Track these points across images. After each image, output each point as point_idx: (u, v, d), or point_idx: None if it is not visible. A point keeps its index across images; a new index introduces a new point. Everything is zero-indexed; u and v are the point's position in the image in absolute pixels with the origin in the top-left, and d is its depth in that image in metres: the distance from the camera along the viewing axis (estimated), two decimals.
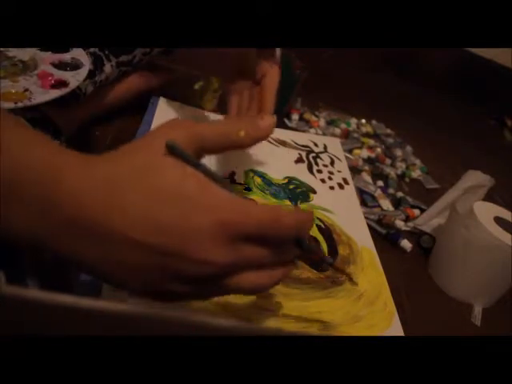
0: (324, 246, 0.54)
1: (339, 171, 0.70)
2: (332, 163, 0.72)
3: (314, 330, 0.43)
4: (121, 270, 0.25)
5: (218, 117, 0.70)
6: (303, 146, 0.73)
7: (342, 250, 0.54)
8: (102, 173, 0.25)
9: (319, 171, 0.68)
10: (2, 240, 0.23)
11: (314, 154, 0.72)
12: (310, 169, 0.68)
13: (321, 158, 0.72)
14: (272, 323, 0.42)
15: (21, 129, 0.26)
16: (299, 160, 0.69)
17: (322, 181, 0.66)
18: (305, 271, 0.49)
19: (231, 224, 0.25)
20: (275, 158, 0.67)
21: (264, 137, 0.32)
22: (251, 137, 0.31)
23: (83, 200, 0.24)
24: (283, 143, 0.71)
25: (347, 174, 0.70)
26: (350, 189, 0.67)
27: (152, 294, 0.27)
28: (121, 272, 0.25)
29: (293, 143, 0.73)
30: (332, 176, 0.68)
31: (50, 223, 0.24)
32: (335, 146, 0.77)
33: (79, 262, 0.25)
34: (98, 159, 0.26)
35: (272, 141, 0.71)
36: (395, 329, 0.47)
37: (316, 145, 0.75)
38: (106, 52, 0.54)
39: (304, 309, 0.45)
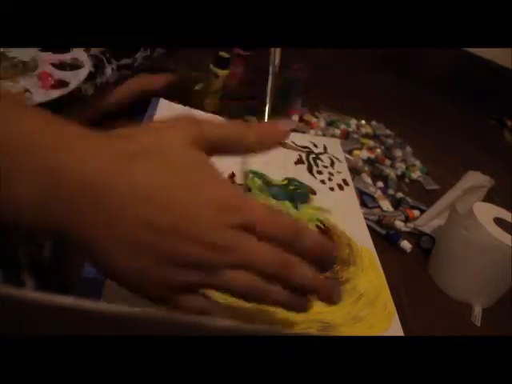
0: None
1: (339, 172, 0.70)
2: (332, 164, 0.72)
3: (313, 331, 0.43)
4: (121, 247, 0.24)
5: (219, 119, 0.70)
6: (303, 146, 0.73)
7: (342, 251, 0.54)
8: (112, 148, 0.25)
9: (319, 172, 0.68)
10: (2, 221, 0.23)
11: (313, 155, 0.72)
12: (309, 170, 0.68)
13: (321, 159, 0.72)
14: (272, 324, 0.42)
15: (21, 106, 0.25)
16: (299, 161, 0.69)
17: (322, 182, 0.66)
18: None
19: (232, 209, 0.25)
20: (275, 159, 0.66)
21: (275, 141, 0.30)
22: (261, 142, 0.29)
23: (91, 170, 0.23)
24: (283, 144, 0.71)
25: (347, 175, 0.70)
26: (350, 190, 0.67)
27: (149, 286, 0.25)
28: (122, 249, 0.24)
29: (292, 144, 0.73)
30: (332, 177, 0.68)
31: (56, 193, 0.23)
32: (335, 146, 0.77)
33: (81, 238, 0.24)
34: (109, 134, 0.26)
35: None
36: (395, 329, 0.47)
37: (316, 146, 0.75)
38: (107, 55, 0.54)
39: None
